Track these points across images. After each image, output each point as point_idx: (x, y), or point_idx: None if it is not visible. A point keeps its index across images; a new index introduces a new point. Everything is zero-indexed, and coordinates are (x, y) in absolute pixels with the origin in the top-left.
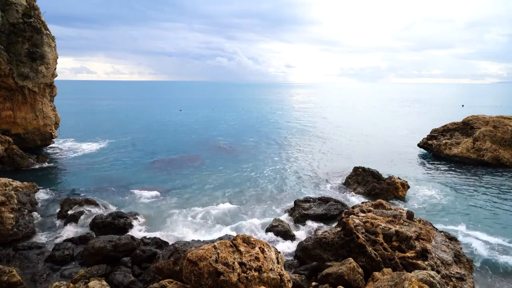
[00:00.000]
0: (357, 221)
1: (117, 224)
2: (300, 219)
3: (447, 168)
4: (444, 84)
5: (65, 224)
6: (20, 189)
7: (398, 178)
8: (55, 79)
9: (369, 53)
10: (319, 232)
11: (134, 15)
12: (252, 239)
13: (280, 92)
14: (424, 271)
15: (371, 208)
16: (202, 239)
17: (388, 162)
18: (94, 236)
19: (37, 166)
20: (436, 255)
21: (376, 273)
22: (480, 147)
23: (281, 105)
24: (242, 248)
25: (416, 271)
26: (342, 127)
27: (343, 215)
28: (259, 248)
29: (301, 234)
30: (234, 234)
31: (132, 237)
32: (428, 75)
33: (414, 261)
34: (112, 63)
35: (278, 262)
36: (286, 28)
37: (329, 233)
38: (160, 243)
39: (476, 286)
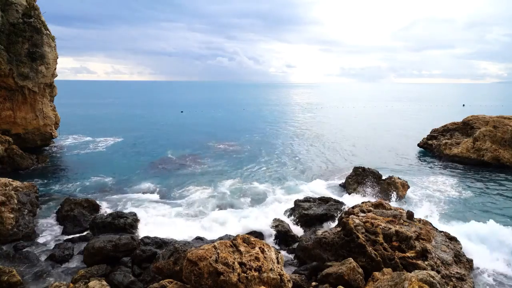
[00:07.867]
0: (357, 221)
1: (117, 224)
2: (300, 219)
3: (447, 168)
4: (444, 84)
5: (65, 224)
6: (20, 189)
7: (398, 178)
8: (55, 79)
9: (369, 53)
10: (319, 232)
11: (134, 15)
12: (252, 239)
13: (280, 92)
14: (424, 271)
15: (371, 208)
16: (202, 239)
17: (388, 162)
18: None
19: (37, 166)
20: (436, 255)
21: (376, 273)
22: (480, 147)
23: (281, 105)
24: (242, 248)
25: (416, 271)
26: (342, 127)
27: (343, 215)
28: (259, 248)
29: (301, 234)
30: (234, 234)
31: (132, 237)
32: (428, 75)
33: (414, 261)
34: (112, 63)
35: (278, 262)
36: (286, 28)
37: (329, 233)
38: (160, 243)
39: (476, 286)
